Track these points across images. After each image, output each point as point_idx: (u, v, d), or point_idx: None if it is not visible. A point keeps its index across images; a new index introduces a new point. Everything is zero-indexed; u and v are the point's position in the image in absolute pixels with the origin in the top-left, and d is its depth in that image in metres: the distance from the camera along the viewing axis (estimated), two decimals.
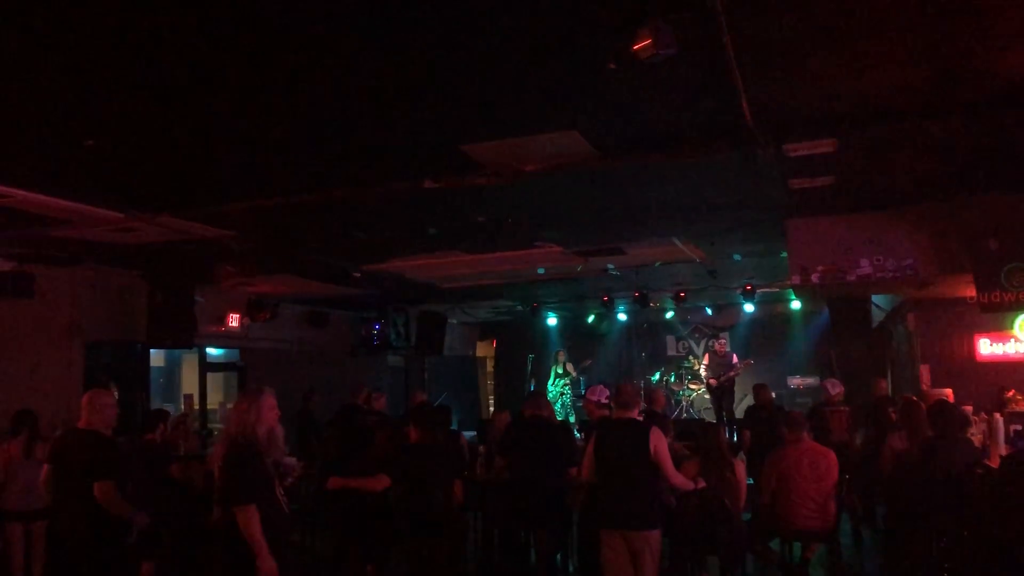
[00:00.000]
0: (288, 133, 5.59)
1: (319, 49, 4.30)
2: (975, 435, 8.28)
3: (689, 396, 16.44)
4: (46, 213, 7.10)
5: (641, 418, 6.17)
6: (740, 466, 6.77)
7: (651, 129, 5.70)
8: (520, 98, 5.08)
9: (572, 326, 18.41)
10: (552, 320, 17.87)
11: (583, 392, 7.79)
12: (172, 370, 14.11)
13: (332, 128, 5.51)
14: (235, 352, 13.09)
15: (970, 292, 8.58)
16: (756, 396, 10.55)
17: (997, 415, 8.78)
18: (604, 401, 7.37)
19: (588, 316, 17.69)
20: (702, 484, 6.21)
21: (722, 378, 14.34)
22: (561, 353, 16.91)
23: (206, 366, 12.56)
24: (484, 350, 20.69)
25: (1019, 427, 9.01)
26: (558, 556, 7.48)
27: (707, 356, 15.57)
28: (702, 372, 15.51)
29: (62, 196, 6.68)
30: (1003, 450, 7.98)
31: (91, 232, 7.93)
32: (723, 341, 15.31)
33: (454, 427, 9.98)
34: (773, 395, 10.97)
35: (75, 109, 5.00)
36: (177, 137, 5.60)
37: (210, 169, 6.39)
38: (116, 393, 9.55)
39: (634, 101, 5.16)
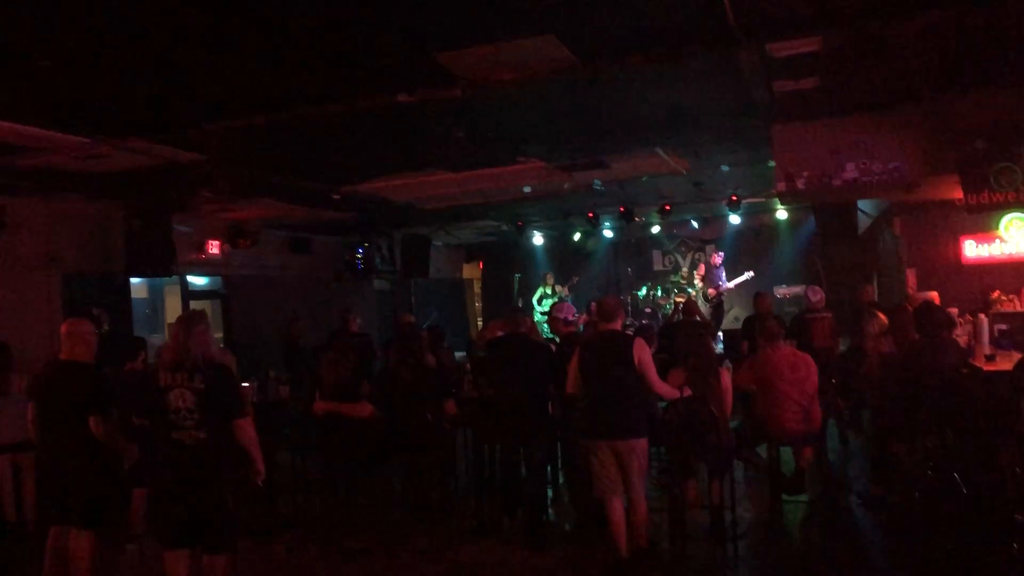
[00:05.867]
0: (254, 49, 5.38)
1: None
2: (960, 336, 8.31)
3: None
4: (8, 140, 6.88)
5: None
6: (726, 374, 6.79)
7: (630, 32, 5.51)
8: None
9: (558, 245, 18.31)
10: (538, 239, 17.75)
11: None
12: (155, 300, 14.01)
13: (299, 41, 5.29)
14: (218, 280, 12.98)
15: (956, 194, 8.51)
16: (756, 305, 10.53)
17: (982, 316, 8.81)
18: (570, 319, 7.51)
19: (574, 234, 17.58)
20: (688, 392, 6.22)
21: (721, 288, 14.55)
22: (549, 275, 16.91)
23: (188, 295, 12.45)
24: (470, 272, 20.64)
25: (1004, 327, 9.07)
26: (548, 468, 7.55)
27: (703, 267, 15.62)
28: (698, 283, 15.53)
29: (22, 121, 6.45)
30: (987, 350, 8.02)
31: (60, 160, 7.72)
32: (720, 253, 15.44)
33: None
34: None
35: (25, 26, 4.76)
36: (137, 56, 5.37)
37: (176, 90, 6.17)
38: (106, 322, 9.53)
39: (612, 2, 4.96)
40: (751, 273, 15.25)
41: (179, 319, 5.16)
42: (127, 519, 6.50)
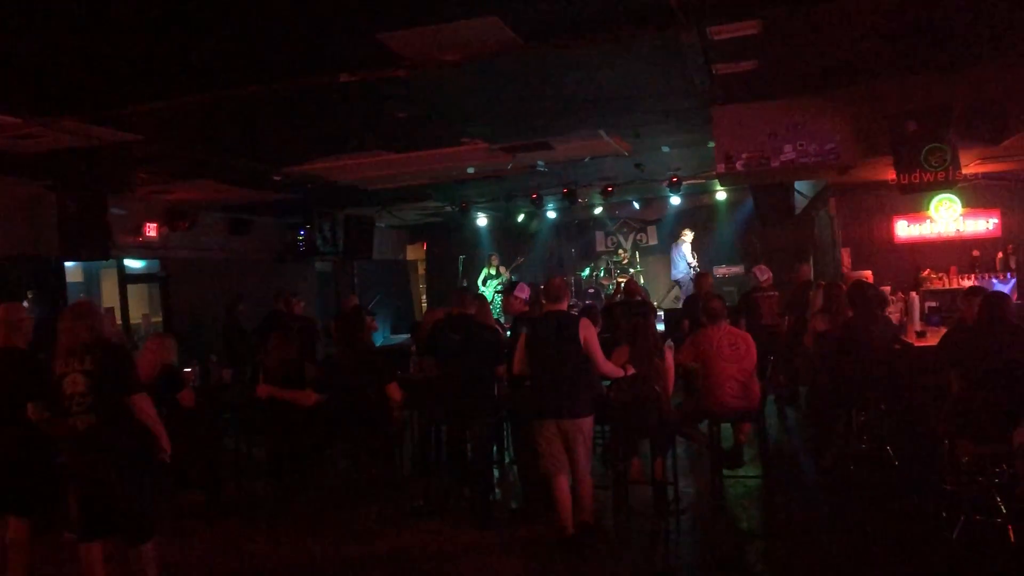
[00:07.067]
0: (192, 26, 5.26)
1: None
2: (893, 313, 8.58)
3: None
4: None
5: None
6: (669, 353, 6.90)
7: (573, 13, 5.52)
8: None
9: (502, 226, 18.34)
10: (482, 220, 17.76)
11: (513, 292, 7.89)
12: (91, 284, 13.67)
13: (238, 19, 5.19)
14: (155, 263, 12.72)
15: (889, 175, 8.74)
16: (696, 285, 10.70)
17: (913, 294, 9.11)
18: (526, 299, 7.59)
19: (518, 215, 17.64)
20: (632, 371, 6.32)
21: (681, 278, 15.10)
22: (494, 256, 16.97)
23: (125, 278, 12.18)
24: (415, 253, 20.55)
25: (934, 304, 9.39)
26: (494, 448, 7.61)
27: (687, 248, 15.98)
28: (691, 260, 15.80)
29: None
30: (919, 326, 8.30)
31: None
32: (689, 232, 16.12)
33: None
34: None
35: None
36: (70, 33, 5.21)
37: (110, 68, 6.00)
38: (27, 304, 9.27)
39: None
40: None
41: (67, 308, 5.14)
42: (65, 507, 6.38)
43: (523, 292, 7.65)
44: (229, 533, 6.84)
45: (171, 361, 7.03)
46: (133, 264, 12.60)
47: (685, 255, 15.85)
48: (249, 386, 7.63)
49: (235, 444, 8.06)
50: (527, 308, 7.81)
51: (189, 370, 8.04)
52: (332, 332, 7.97)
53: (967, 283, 10.02)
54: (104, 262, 11.28)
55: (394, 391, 7.13)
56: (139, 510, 4.94)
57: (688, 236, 15.98)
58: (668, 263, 16.76)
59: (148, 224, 11.80)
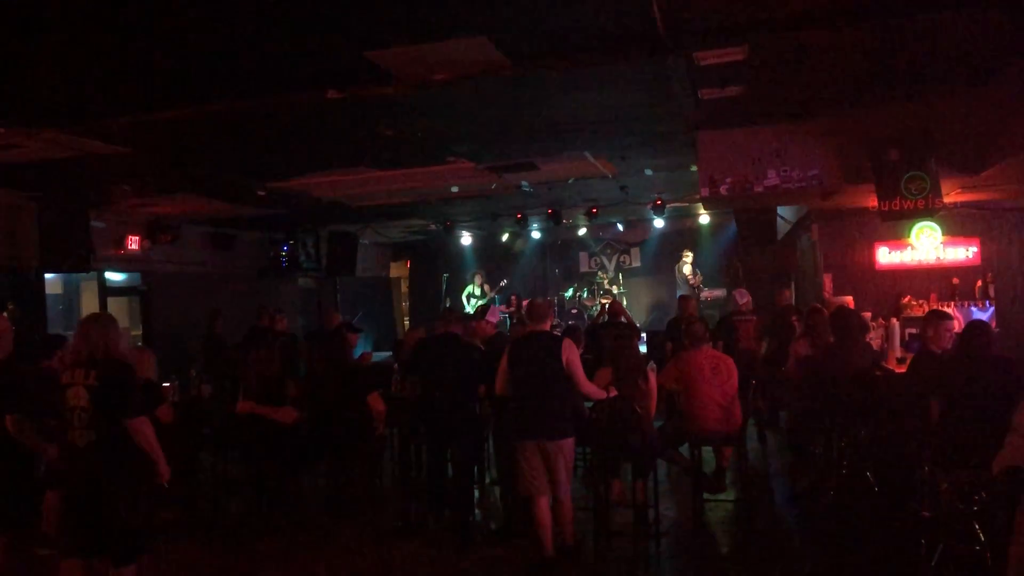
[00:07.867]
0: (181, 39, 5.25)
1: None
2: (874, 339, 8.62)
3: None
4: None
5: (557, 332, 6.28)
6: (652, 375, 6.90)
7: (561, 36, 5.56)
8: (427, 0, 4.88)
9: (486, 245, 18.36)
10: (466, 239, 17.78)
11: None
12: (71, 296, 13.56)
13: (226, 33, 5.19)
14: (137, 276, 12.63)
15: (871, 202, 8.81)
16: (680, 307, 10.73)
17: (894, 320, 9.16)
18: (493, 321, 7.66)
19: (502, 234, 17.66)
20: (615, 392, 6.31)
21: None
22: (478, 275, 16.99)
23: (106, 291, 12.08)
24: (398, 271, 20.52)
25: (914, 331, 9.43)
26: (475, 468, 7.57)
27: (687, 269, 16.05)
28: (692, 281, 15.88)
29: None
30: (899, 353, 8.34)
31: None
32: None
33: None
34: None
35: None
36: (54, 43, 5.19)
37: (95, 80, 5.98)
38: (6, 315, 9.15)
39: (544, 5, 5.00)
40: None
41: (86, 316, 5.06)
42: (40, 522, 6.28)
43: (494, 316, 7.71)
44: (205, 550, 6.75)
45: (150, 376, 6.96)
46: (114, 277, 12.51)
47: (687, 276, 15.91)
48: (229, 401, 7.56)
49: (213, 460, 7.98)
50: (496, 331, 7.93)
51: (168, 384, 7.96)
52: (307, 350, 7.93)
53: (946, 311, 10.08)
54: (85, 274, 11.20)
55: (376, 402, 7.10)
56: (130, 530, 4.81)
57: (688, 257, 16.04)
58: (650, 285, 16.80)
59: (130, 237, 11.74)
